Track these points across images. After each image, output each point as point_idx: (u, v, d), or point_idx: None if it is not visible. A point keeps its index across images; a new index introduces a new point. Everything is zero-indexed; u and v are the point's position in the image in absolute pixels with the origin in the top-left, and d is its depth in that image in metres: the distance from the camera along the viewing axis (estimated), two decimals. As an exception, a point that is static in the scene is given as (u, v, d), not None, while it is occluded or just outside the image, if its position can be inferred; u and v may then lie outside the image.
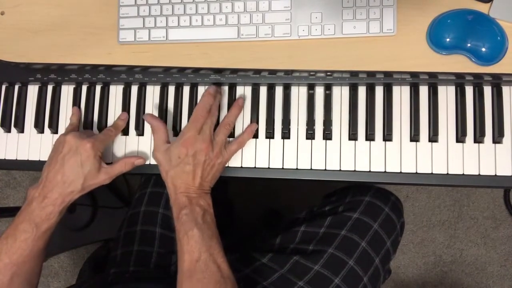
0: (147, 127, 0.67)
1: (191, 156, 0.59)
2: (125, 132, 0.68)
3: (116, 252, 0.75)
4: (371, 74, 0.62)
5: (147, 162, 0.66)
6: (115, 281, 0.70)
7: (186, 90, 0.67)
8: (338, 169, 0.62)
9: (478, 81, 0.61)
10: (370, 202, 0.69)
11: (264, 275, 0.66)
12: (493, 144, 0.60)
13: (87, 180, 0.60)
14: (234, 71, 0.65)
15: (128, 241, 0.74)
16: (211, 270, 0.54)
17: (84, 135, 0.61)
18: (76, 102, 0.69)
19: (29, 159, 0.70)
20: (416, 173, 0.61)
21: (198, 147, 0.59)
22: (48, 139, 0.70)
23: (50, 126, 0.70)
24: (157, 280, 0.68)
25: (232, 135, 0.64)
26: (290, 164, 0.63)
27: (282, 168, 0.63)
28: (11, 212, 1.05)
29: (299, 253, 0.67)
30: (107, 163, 0.63)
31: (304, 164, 0.63)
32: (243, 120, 0.65)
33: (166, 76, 0.66)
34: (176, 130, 0.66)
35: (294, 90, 0.65)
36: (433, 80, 0.61)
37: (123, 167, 0.63)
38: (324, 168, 0.62)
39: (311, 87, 0.64)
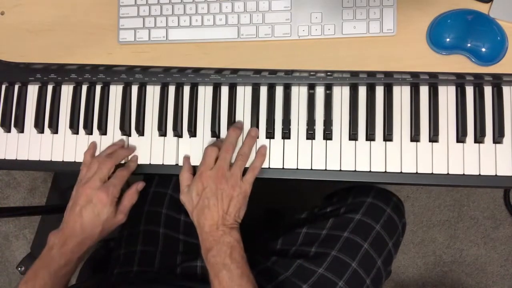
0: (147, 128, 0.67)
1: (208, 190, 0.59)
2: (126, 133, 0.68)
3: (119, 252, 0.75)
4: (371, 74, 0.62)
5: (147, 162, 0.66)
6: (119, 282, 0.70)
7: (186, 90, 0.67)
8: (339, 169, 0.62)
9: (478, 81, 0.61)
10: (372, 203, 0.69)
11: (269, 278, 0.66)
12: (494, 144, 0.60)
13: (104, 226, 0.62)
14: (234, 71, 0.65)
15: (131, 241, 0.74)
16: None
17: (100, 182, 0.62)
18: (76, 101, 0.69)
19: (29, 159, 0.70)
20: (417, 173, 0.61)
21: (212, 180, 0.59)
22: (48, 139, 0.70)
23: (50, 126, 0.70)
24: (163, 283, 0.67)
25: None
26: (290, 164, 0.63)
27: (282, 168, 0.63)
28: (11, 212, 1.05)
29: (302, 256, 0.67)
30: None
31: (304, 164, 0.63)
32: (243, 120, 0.65)
33: (166, 76, 0.66)
34: (177, 131, 0.66)
35: (294, 90, 0.65)
36: (434, 80, 0.61)
37: (130, 200, 0.65)
38: (324, 168, 0.62)
39: (311, 87, 0.64)
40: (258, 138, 0.64)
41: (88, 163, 0.65)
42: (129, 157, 0.67)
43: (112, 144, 0.68)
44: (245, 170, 0.62)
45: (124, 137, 0.68)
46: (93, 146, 0.68)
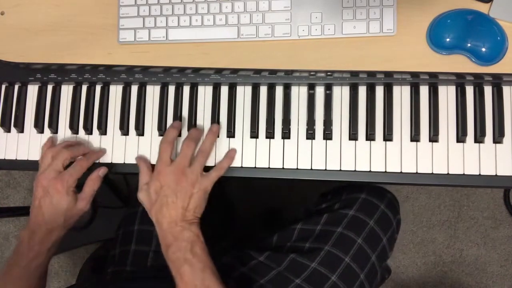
0: (147, 127, 0.67)
1: (166, 188, 0.58)
2: (125, 132, 0.68)
3: (114, 251, 0.76)
4: (371, 74, 0.62)
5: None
6: (113, 280, 0.70)
7: (186, 90, 0.67)
8: (339, 169, 0.62)
9: (478, 81, 0.61)
10: (365, 199, 0.69)
11: (261, 273, 0.66)
12: (494, 144, 0.60)
13: (67, 215, 0.62)
14: (234, 71, 0.65)
15: (125, 241, 0.75)
16: None
17: (54, 172, 0.61)
18: (75, 102, 0.69)
19: (29, 159, 0.70)
20: (417, 173, 0.61)
21: (170, 177, 0.59)
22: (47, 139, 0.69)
23: (50, 126, 0.70)
24: (153, 278, 0.68)
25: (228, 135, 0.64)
26: (290, 164, 0.63)
27: (282, 168, 0.63)
28: (11, 212, 1.05)
29: (296, 251, 0.67)
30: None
31: (304, 164, 0.63)
32: (243, 120, 0.65)
33: (166, 76, 0.66)
34: (176, 130, 0.66)
35: (294, 90, 0.65)
36: (434, 80, 0.61)
37: (92, 185, 0.64)
38: (324, 168, 0.62)
39: (311, 87, 0.64)
40: (218, 136, 0.64)
41: (47, 148, 0.65)
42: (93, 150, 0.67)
43: (67, 140, 0.67)
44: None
45: (124, 137, 0.68)
46: (51, 139, 0.67)
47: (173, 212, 0.58)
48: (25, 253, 0.60)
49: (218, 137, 0.64)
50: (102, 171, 0.65)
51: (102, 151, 0.67)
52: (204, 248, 0.58)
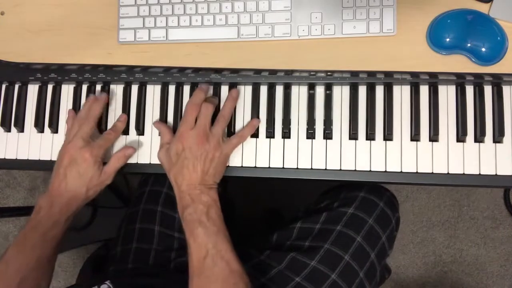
0: (147, 127, 0.67)
1: (188, 151, 0.59)
2: (126, 131, 0.68)
3: (115, 249, 0.76)
4: (371, 74, 0.62)
5: (147, 162, 0.66)
6: (114, 278, 0.70)
7: (187, 89, 0.67)
8: (339, 168, 0.62)
9: (478, 80, 0.61)
10: (364, 198, 0.69)
11: (262, 271, 0.66)
12: (494, 144, 0.60)
13: (89, 186, 0.62)
14: (234, 71, 0.65)
15: (127, 239, 0.75)
16: (219, 266, 0.54)
17: (83, 141, 0.62)
18: (76, 101, 0.69)
19: (29, 159, 0.70)
20: (417, 172, 0.61)
21: (193, 140, 0.59)
22: (48, 138, 0.70)
23: (50, 126, 0.70)
24: (155, 275, 0.68)
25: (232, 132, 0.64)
26: (290, 163, 0.63)
27: (283, 168, 0.63)
28: (11, 212, 1.05)
29: (295, 250, 0.67)
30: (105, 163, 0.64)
31: (304, 164, 0.63)
32: (243, 120, 0.65)
33: (166, 75, 0.66)
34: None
35: (294, 89, 0.65)
36: (434, 80, 0.61)
37: (117, 162, 0.64)
38: (324, 168, 0.62)
39: (311, 87, 0.64)
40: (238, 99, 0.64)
41: (72, 119, 0.66)
42: (118, 117, 0.67)
43: (87, 101, 0.67)
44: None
45: (124, 136, 0.68)
46: (72, 111, 0.67)
47: (194, 174, 0.58)
48: (44, 221, 0.59)
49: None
50: (129, 151, 0.65)
51: (124, 120, 0.66)
52: (220, 213, 0.58)
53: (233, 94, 0.63)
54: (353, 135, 0.62)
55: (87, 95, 0.69)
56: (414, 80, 0.62)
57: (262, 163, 0.64)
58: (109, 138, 0.64)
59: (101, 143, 0.63)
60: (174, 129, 0.66)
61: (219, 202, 0.59)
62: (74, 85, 0.70)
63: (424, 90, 0.62)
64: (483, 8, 0.60)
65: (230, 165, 0.64)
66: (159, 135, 0.66)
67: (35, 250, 0.58)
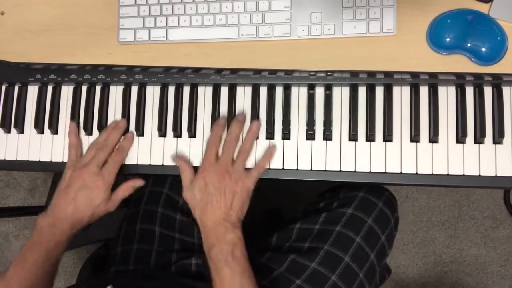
0: (147, 128, 0.67)
1: (211, 186, 0.59)
2: (126, 133, 0.68)
3: (115, 250, 0.75)
4: (371, 74, 0.62)
5: (147, 163, 0.66)
6: (115, 279, 0.70)
7: (186, 90, 0.67)
8: (339, 169, 0.62)
9: (478, 81, 0.61)
10: (363, 198, 0.69)
11: (263, 274, 0.66)
12: (494, 145, 0.60)
13: (95, 212, 0.64)
14: (234, 71, 0.65)
15: (127, 240, 0.75)
16: None
17: (97, 168, 0.63)
18: (76, 102, 0.69)
19: (29, 160, 0.70)
20: (417, 173, 0.61)
21: (215, 176, 0.60)
22: (48, 139, 0.69)
23: (50, 127, 0.70)
24: (156, 278, 0.68)
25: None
26: (290, 164, 0.63)
27: (283, 169, 0.63)
28: (11, 212, 1.05)
29: (295, 251, 0.67)
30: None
31: (304, 165, 0.63)
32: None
33: (166, 76, 0.66)
34: (176, 131, 0.66)
35: (294, 90, 0.65)
36: (434, 81, 0.61)
37: (124, 192, 0.66)
38: (324, 169, 0.62)
39: (311, 88, 0.64)
40: (258, 138, 0.64)
41: (75, 144, 0.66)
42: (124, 137, 0.67)
43: (106, 128, 0.67)
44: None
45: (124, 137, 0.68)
46: (75, 127, 0.68)
47: (218, 211, 0.59)
48: (46, 240, 0.60)
49: (258, 138, 0.64)
50: (138, 183, 0.66)
51: (130, 139, 0.67)
52: (245, 252, 0.59)
53: (254, 128, 0.63)
54: (353, 136, 0.62)
55: (87, 96, 0.69)
56: (414, 80, 0.62)
57: (262, 163, 0.63)
58: (118, 161, 0.65)
59: (111, 170, 0.64)
60: (174, 129, 0.66)
61: (243, 240, 0.59)
62: (73, 86, 0.70)
63: (424, 91, 0.62)
64: (483, 8, 0.60)
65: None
66: (179, 172, 0.64)
67: (36, 270, 0.59)
